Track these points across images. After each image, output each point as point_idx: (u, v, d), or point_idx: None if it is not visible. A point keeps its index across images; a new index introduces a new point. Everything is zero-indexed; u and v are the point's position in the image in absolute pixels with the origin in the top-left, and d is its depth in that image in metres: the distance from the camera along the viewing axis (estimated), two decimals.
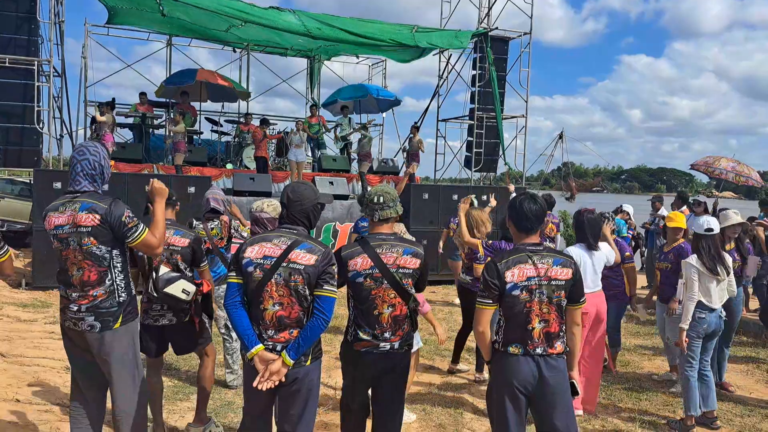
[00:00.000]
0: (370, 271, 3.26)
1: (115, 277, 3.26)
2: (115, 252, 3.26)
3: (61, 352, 6.18)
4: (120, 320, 3.26)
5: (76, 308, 3.22)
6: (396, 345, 3.32)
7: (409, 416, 4.84)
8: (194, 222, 5.22)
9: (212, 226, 5.13)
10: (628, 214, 9.93)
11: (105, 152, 3.35)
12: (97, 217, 3.17)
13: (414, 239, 4.75)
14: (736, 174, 11.35)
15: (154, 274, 3.92)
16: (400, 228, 4.88)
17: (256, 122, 15.42)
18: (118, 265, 3.28)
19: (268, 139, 13.22)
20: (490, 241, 5.10)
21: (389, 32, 12.65)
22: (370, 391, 3.47)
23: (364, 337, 3.29)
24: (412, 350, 4.96)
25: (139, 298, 3.55)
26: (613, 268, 5.72)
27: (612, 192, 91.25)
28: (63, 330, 3.36)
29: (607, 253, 5.22)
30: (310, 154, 14.54)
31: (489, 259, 5.07)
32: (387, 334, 3.29)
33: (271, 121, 15.89)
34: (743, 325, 7.71)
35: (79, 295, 3.22)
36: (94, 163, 3.27)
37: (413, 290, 3.40)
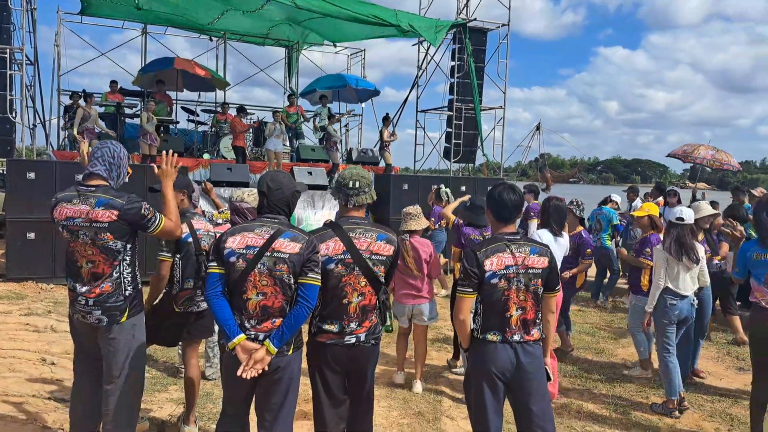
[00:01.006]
0: (342, 256, 3.13)
1: (123, 270, 3.31)
2: (128, 246, 3.32)
3: (36, 344, 6.14)
4: (126, 314, 3.32)
5: (84, 301, 3.28)
6: (362, 337, 3.18)
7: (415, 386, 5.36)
8: None
9: None
10: (617, 203, 10.05)
11: (126, 152, 3.46)
12: (115, 212, 3.22)
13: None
14: (714, 161, 11.47)
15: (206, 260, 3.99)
16: (416, 210, 5.32)
17: (233, 112, 15.27)
18: (128, 258, 3.34)
19: (247, 128, 13.09)
20: (458, 222, 5.70)
21: (372, 9, 12.59)
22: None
23: (329, 328, 3.15)
24: (427, 323, 5.26)
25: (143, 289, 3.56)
26: (569, 259, 5.86)
27: (588, 183, 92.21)
28: (72, 322, 3.42)
29: (566, 242, 5.33)
30: (287, 144, 14.45)
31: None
32: (353, 325, 3.15)
33: (248, 111, 15.76)
34: (714, 312, 7.87)
35: (88, 288, 3.26)
36: (114, 152, 3.37)
37: (384, 279, 3.26)
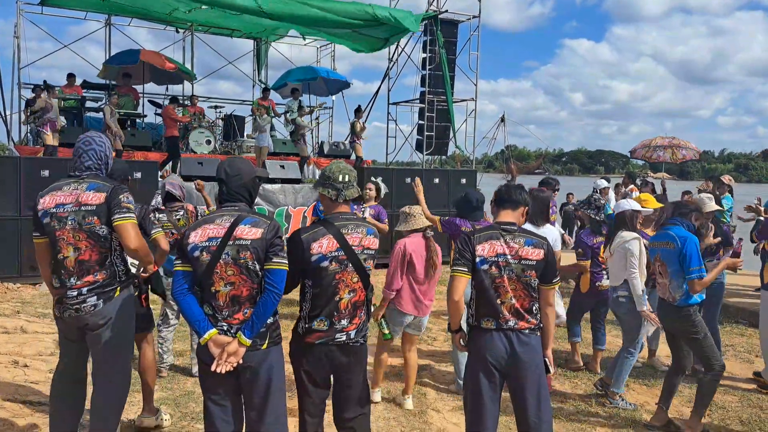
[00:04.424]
0: (336, 253, 3.08)
1: (115, 259, 3.29)
2: (115, 234, 3.25)
3: (6, 346, 5.95)
4: (119, 290, 3.31)
5: (75, 293, 3.20)
6: (352, 334, 3.14)
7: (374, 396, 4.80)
8: (157, 214, 4.95)
9: (178, 216, 4.97)
10: (607, 188, 9.79)
11: (109, 143, 3.41)
12: (103, 195, 3.20)
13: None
14: (672, 149, 11.63)
15: None
16: (417, 209, 4.82)
17: (202, 104, 14.99)
18: (118, 248, 3.30)
19: (179, 120, 12.57)
20: (447, 218, 5.17)
21: (349, 6, 12.45)
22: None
23: (319, 327, 3.10)
24: (419, 333, 4.95)
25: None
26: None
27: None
28: (60, 321, 3.33)
29: (553, 235, 5.23)
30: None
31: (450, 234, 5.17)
32: (344, 322, 3.11)
33: (218, 105, 15.51)
34: None
35: (77, 278, 3.19)
36: (100, 153, 3.34)
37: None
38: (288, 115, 14.11)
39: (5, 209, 8.91)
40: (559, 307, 6.47)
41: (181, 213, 4.99)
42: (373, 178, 7.65)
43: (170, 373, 5.39)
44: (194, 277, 2.91)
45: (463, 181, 12.64)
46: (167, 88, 16.49)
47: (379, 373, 5.01)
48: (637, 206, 5.09)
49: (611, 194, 9.67)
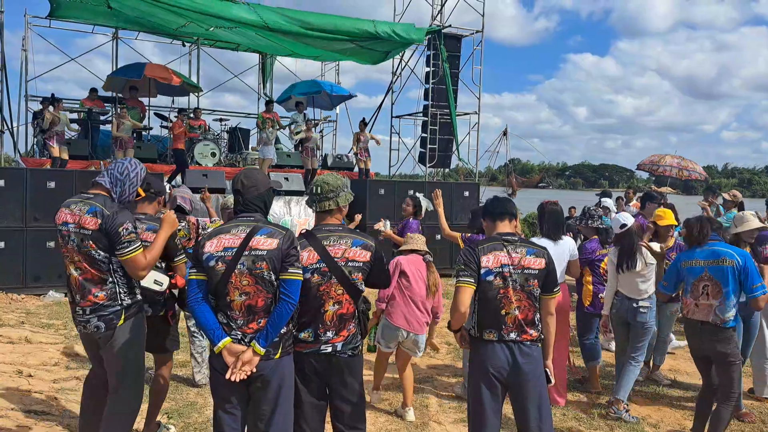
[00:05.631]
0: (317, 265, 3.07)
1: (117, 281, 3.30)
2: (114, 259, 3.27)
3: (11, 356, 5.97)
4: (123, 318, 3.32)
5: (81, 311, 3.28)
6: (338, 346, 3.10)
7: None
8: None
9: (179, 227, 5.02)
10: (608, 210, 9.84)
11: (140, 173, 3.43)
12: (98, 222, 3.20)
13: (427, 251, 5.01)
14: (680, 169, 11.82)
15: None
16: (423, 238, 5.07)
17: (207, 117, 15.12)
18: (119, 270, 3.31)
19: (187, 135, 12.65)
20: (469, 234, 5.22)
21: (350, 25, 12.58)
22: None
23: (304, 337, 3.09)
24: (418, 355, 5.00)
25: None
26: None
27: (557, 188, 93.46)
28: (79, 332, 3.44)
29: (570, 245, 5.25)
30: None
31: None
32: (330, 334, 3.09)
33: (223, 117, 15.64)
34: None
35: (81, 297, 3.27)
36: (124, 169, 3.37)
37: (363, 286, 3.19)
38: (293, 127, 14.21)
39: (11, 220, 8.97)
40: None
41: (183, 224, 5.04)
42: (411, 193, 7.51)
43: (172, 383, 5.40)
44: (209, 286, 2.93)
45: (466, 193, 12.67)
46: (173, 100, 16.64)
47: (379, 378, 5.16)
48: (631, 219, 5.16)
49: (613, 209, 9.71)
